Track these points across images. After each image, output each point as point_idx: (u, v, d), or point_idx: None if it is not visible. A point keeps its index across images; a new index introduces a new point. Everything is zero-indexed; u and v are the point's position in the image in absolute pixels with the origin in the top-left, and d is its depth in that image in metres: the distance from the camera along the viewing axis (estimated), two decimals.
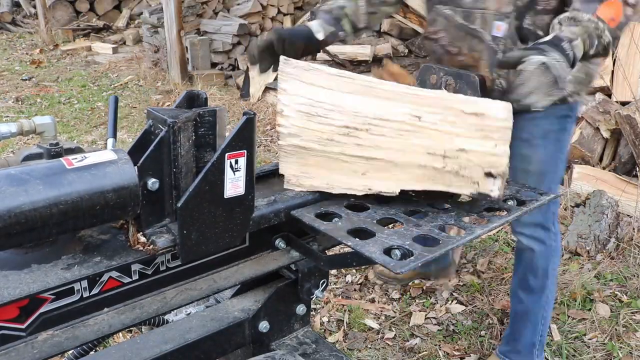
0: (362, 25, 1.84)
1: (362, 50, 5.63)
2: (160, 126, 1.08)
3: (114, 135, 1.48)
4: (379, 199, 1.36)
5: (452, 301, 2.76)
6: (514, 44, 1.70)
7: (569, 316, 2.63)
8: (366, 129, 1.28)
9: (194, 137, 1.13)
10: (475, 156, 1.25)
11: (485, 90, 1.69)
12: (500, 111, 1.26)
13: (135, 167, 1.04)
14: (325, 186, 1.33)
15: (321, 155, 1.31)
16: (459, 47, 1.78)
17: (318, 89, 1.30)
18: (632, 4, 1.47)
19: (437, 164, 1.27)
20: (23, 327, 0.99)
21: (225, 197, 1.11)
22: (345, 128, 1.28)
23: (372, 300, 2.77)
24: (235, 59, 6.73)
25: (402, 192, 1.33)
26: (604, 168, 3.76)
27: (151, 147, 1.06)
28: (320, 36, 1.71)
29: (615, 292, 2.76)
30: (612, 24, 1.40)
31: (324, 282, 1.45)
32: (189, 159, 1.12)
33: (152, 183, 1.07)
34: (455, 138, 1.26)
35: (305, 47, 1.68)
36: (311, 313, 2.33)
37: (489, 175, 1.25)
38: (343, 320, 2.62)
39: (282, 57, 1.31)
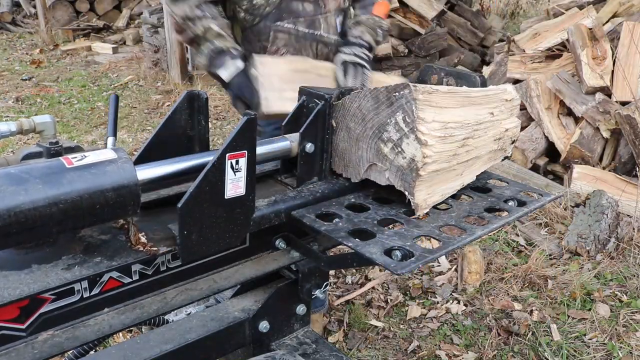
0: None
1: None
2: (317, 100, 1.32)
3: (114, 134, 1.48)
4: (379, 199, 1.36)
5: (452, 301, 2.76)
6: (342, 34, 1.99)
7: (569, 316, 2.63)
8: (472, 136, 1.39)
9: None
10: (510, 132, 1.54)
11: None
12: (514, 91, 1.54)
13: (298, 133, 1.31)
14: (441, 198, 1.37)
15: (445, 172, 1.35)
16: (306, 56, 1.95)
17: (442, 110, 1.31)
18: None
19: (496, 146, 1.52)
20: (23, 327, 0.99)
21: (225, 197, 1.11)
22: (463, 140, 1.36)
23: (372, 300, 2.77)
24: None
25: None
26: (604, 168, 3.76)
27: (310, 117, 1.30)
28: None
29: (615, 292, 2.76)
30: (384, 17, 1.89)
31: (326, 284, 1.45)
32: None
33: (310, 147, 1.32)
34: (502, 122, 1.51)
35: None
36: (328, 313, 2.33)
37: (512, 142, 1.60)
38: (343, 320, 2.62)
39: (410, 84, 1.26)
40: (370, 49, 1.89)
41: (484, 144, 1.45)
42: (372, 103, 1.31)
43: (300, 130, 1.31)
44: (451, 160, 1.34)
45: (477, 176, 1.52)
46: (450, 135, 1.31)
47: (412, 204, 1.29)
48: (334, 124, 1.39)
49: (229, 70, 1.78)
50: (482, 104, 1.43)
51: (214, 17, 1.82)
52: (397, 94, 1.25)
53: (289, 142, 1.32)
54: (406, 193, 1.30)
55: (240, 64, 1.78)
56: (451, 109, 1.33)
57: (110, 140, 1.44)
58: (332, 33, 1.91)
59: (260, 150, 1.24)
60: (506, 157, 1.63)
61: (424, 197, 1.31)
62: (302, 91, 1.37)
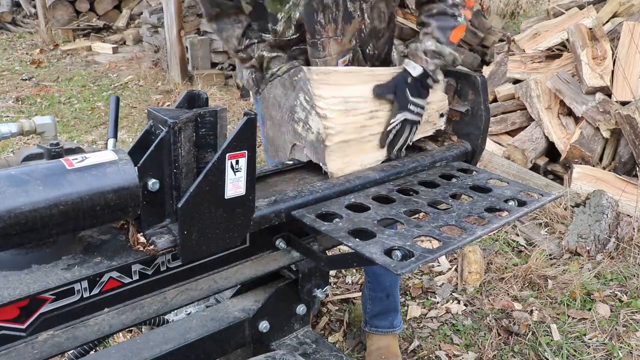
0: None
1: None
2: (161, 126, 1.08)
3: (115, 136, 1.48)
4: (379, 199, 1.36)
5: (452, 301, 2.76)
6: (360, 64, 1.80)
7: (569, 316, 2.63)
8: (382, 109, 1.56)
9: (194, 137, 1.13)
10: (435, 105, 1.68)
11: (486, 92, 1.69)
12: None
13: (136, 167, 1.04)
14: (361, 167, 1.52)
15: (356, 142, 1.51)
16: None
17: (343, 87, 1.48)
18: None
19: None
20: (23, 327, 0.99)
21: (226, 197, 1.11)
22: (370, 112, 1.53)
23: None
24: None
25: (403, 190, 1.42)
26: (604, 168, 3.76)
27: (151, 148, 1.06)
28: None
29: (615, 292, 2.76)
30: (456, 42, 1.71)
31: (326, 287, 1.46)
32: (190, 160, 1.12)
33: (153, 184, 1.07)
34: None
35: None
36: (316, 315, 2.34)
37: (441, 116, 1.72)
38: (343, 320, 2.62)
39: (303, 67, 1.46)
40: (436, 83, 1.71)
41: None
42: (282, 90, 1.51)
43: (139, 165, 1.06)
44: (362, 131, 1.52)
45: (464, 171, 1.58)
46: (353, 108, 1.48)
47: (327, 173, 1.46)
48: (262, 114, 1.55)
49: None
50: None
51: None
52: (296, 77, 1.46)
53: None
54: (320, 164, 1.47)
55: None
56: (353, 86, 1.50)
57: (111, 141, 1.44)
58: None
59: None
60: (440, 130, 1.75)
61: (340, 166, 1.48)
62: (150, 114, 1.13)
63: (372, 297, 2.31)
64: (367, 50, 1.80)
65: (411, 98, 1.60)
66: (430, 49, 1.64)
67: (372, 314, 2.35)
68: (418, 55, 1.65)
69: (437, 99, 1.70)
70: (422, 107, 1.63)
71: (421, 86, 1.63)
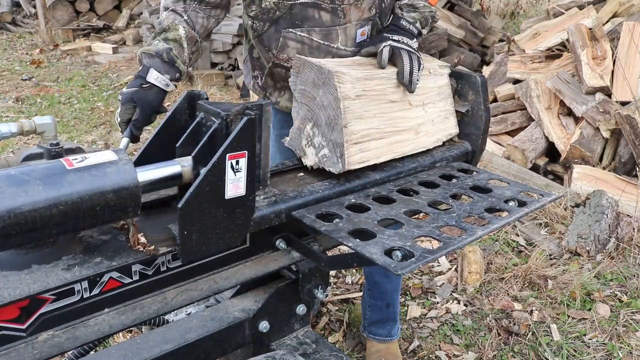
0: (186, 65, 1.66)
1: None
2: (213, 118, 1.15)
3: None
4: (379, 200, 1.36)
5: (452, 301, 2.76)
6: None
7: (569, 316, 2.63)
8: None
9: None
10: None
11: (486, 92, 1.69)
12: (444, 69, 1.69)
13: (190, 157, 1.13)
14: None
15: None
16: None
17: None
18: None
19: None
20: (23, 327, 0.99)
21: (226, 197, 1.11)
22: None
23: None
24: (235, 59, 6.73)
25: (403, 191, 1.39)
26: (604, 168, 3.76)
27: (205, 138, 1.13)
28: (170, 88, 1.60)
29: (615, 292, 2.76)
30: (433, 2, 1.81)
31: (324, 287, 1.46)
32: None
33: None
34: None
35: (157, 104, 1.59)
36: (316, 315, 2.34)
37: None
38: (343, 320, 2.62)
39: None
40: (419, 36, 1.75)
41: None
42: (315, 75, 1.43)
43: (193, 154, 1.14)
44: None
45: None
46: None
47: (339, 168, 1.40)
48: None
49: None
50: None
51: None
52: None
53: (179, 166, 1.14)
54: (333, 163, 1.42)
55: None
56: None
57: (124, 141, 1.51)
58: (350, 45, 1.69)
59: (144, 176, 1.08)
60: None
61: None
62: (201, 107, 1.21)
63: (372, 305, 2.30)
64: (384, 24, 1.77)
65: (392, 37, 1.63)
66: (404, 2, 1.72)
67: (371, 321, 2.35)
68: (393, 22, 1.71)
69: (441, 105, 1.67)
70: (409, 46, 1.61)
71: (404, 37, 1.64)
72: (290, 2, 1.62)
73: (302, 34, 1.66)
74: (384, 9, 1.73)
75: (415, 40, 1.69)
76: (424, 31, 1.76)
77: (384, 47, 1.55)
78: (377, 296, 2.27)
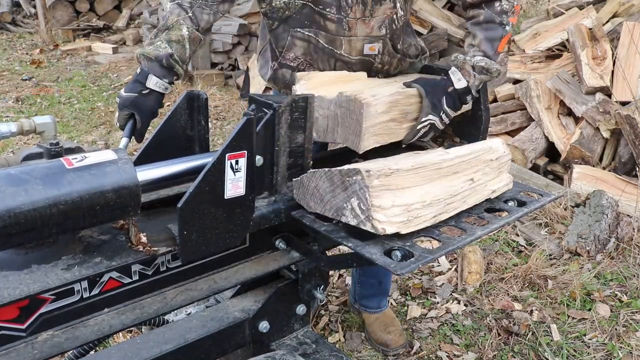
0: (185, 65, 1.67)
1: None
2: (265, 109, 1.23)
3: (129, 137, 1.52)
4: None
5: (452, 301, 2.76)
6: (391, 56, 1.75)
7: (569, 316, 2.62)
8: (446, 211, 1.28)
9: (289, 120, 1.26)
10: (498, 192, 1.43)
11: (486, 92, 1.69)
12: (502, 147, 1.44)
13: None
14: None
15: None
16: (322, 70, 1.73)
17: (404, 191, 1.22)
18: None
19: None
20: (23, 327, 0.99)
21: (225, 197, 1.11)
22: (434, 217, 1.26)
23: None
24: (235, 59, 6.72)
25: None
26: (604, 168, 3.76)
27: (258, 128, 1.19)
28: (168, 91, 1.61)
29: (615, 292, 2.76)
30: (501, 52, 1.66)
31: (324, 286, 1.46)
32: (285, 140, 1.28)
33: (258, 160, 1.21)
34: (488, 184, 1.40)
35: (157, 109, 1.60)
36: (316, 315, 2.34)
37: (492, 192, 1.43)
38: (343, 321, 2.62)
39: (361, 169, 1.17)
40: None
41: (461, 209, 1.34)
42: (328, 185, 1.23)
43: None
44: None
45: None
46: (416, 217, 1.21)
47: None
48: (296, 198, 1.30)
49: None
50: (458, 172, 1.32)
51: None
52: (349, 179, 1.17)
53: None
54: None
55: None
56: (416, 187, 1.24)
57: (123, 140, 1.49)
58: (355, 55, 1.70)
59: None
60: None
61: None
62: (252, 99, 1.27)
63: (362, 281, 2.37)
64: (399, 45, 1.76)
65: (445, 107, 1.57)
66: (480, 64, 1.60)
67: (362, 296, 2.42)
68: (466, 68, 1.62)
69: (500, 185, 1.50)
70: (450, 118, 1.61)
71: (458, 99, 1.61)
72: (301, 2, 1.63)
73: (310, 34, 1.68)
74: (395, 30, 1.72)
75: (469, 99, 1.65)
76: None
77: (424, 124, 1.55)
78: (368, 273, 2.33)
